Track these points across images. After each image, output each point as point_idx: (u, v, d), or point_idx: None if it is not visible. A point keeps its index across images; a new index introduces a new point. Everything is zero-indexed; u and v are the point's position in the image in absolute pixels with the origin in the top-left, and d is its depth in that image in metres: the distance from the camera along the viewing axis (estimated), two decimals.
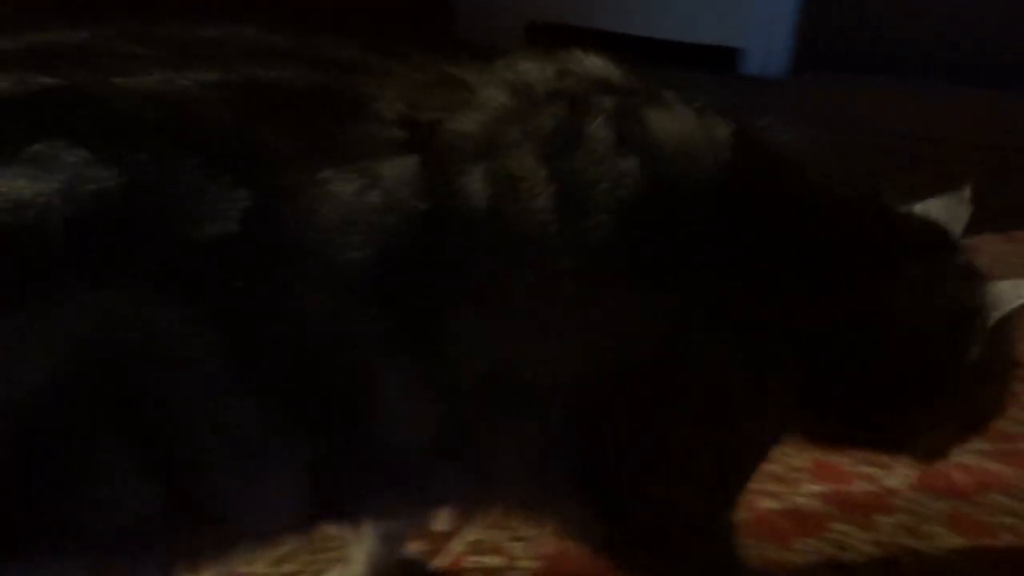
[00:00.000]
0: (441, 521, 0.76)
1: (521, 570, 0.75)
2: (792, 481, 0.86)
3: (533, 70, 0.53)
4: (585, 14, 2.44)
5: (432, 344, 0.45)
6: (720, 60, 2.47)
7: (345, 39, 0.50)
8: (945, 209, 0.67)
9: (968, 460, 0.87)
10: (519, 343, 0.47)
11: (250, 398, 0.42)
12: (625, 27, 2.39)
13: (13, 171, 0.39)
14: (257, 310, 0.42)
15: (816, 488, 0.86)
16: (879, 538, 0.79)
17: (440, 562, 0.76)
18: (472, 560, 0.76)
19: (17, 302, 0.39)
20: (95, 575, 0.45)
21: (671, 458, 0.56)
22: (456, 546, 0.77)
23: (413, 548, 0.75)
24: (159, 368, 0.41)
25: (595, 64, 0.55)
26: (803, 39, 2.39)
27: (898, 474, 0.87)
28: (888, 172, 1.43)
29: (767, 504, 0.83)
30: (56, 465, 0.41)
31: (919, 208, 0.67)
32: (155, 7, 0.51)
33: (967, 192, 0.69)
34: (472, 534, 0.77)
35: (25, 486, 0.41)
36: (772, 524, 0.80)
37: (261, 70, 0.46)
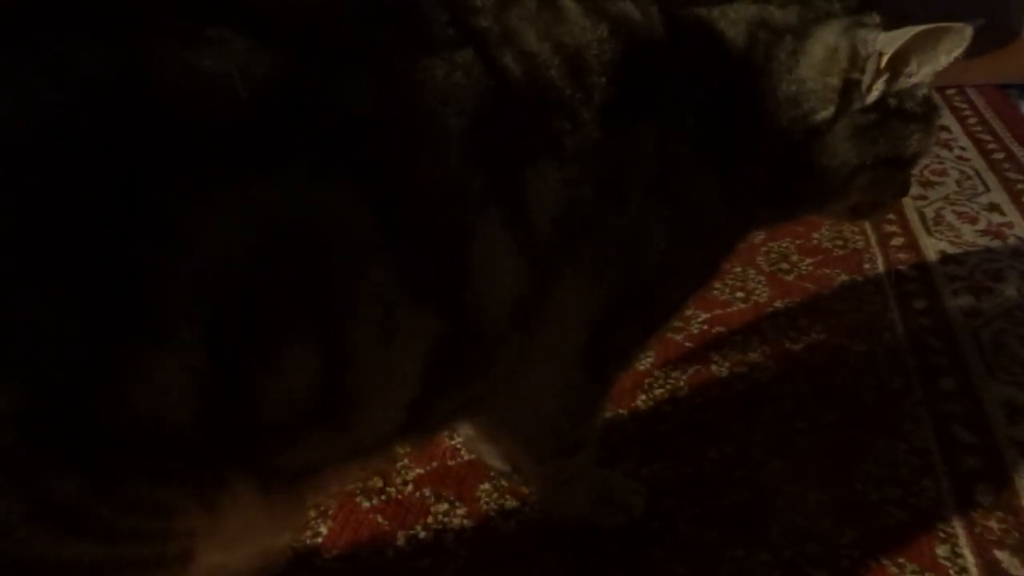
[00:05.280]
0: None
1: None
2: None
3: None
4: None
5: (514, 195, 0.55)
6: None
7: None
8: None
9: None
10: (573, 185, 0.58)
11: (391, 257, 0.50)
12: None
13: (197, 51, 0.44)
14: (392, 177, 0.50)
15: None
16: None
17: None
18: None
19: (226, 177, 0.44)
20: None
21: (668, 272, 0.67)
22: None
23: None
24: (327, 241, 0.47)
25: None
26: None
27: None
28: None
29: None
30: (250, 334, 0.46)
31: None
32: None
33: None
34: None
35: (224, 358, 0.45)
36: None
37: None
